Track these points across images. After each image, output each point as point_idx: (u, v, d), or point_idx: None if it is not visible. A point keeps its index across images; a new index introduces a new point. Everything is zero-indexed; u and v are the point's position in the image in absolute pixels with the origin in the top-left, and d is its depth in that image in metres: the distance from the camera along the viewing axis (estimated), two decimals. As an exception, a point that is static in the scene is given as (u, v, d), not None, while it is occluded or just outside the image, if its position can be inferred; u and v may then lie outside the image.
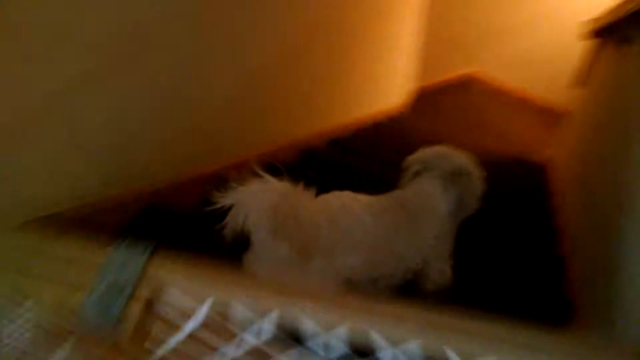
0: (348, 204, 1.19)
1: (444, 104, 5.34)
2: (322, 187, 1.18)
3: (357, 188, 1.28)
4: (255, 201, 1.00)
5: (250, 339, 0.47)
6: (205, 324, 0.49)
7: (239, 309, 0.47)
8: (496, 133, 4.90)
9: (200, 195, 1.78)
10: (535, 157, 4.08)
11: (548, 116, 5.71)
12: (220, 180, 1.76)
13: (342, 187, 1.24)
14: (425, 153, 1.37)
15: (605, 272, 1.37)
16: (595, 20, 3.01)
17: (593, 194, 2.01)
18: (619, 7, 2.12)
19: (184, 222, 1.53)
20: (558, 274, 1.83)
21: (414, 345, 0.46)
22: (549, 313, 1.54)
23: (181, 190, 1.70)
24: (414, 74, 4.76)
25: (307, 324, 0.46)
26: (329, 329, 0.46)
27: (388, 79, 4.17)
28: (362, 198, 1.25)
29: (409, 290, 1.32)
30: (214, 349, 0.49)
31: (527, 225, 2.13)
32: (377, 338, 0.46)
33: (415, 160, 1.38)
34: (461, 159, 1.36)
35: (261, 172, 1.05)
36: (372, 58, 3.46)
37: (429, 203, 1.29)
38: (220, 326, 0.49)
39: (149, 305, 0.50)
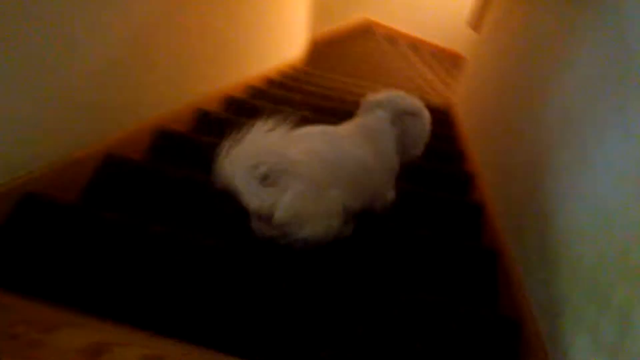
0: (332, 136, 1.25)
1: (344, 51, 5.26)
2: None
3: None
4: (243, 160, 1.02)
5: None
6: None
7: None
8: (399, 77, 4.94)
9: (87, 181, 1.54)
10: (439, 100, 4.19)
11: (448, 60, 5.90)
12: (111, 159, 1.58)
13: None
14: (379, 94, 1.42)
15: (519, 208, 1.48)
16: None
17: (492, 135, 2.07)
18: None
19: (69, 214, 1.29)
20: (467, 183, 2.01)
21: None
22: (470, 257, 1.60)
23: (64, 177, 1.43)
24: (312, 25, 4.62)
25: None
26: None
27: (288, 32, 4.00)
28: (337, 129, 1.31)
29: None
30: None
31: (437, 169, 2.13)
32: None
33: (370, 99, 1.43)
34: (411, 101, 1.41)
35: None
36: (269, 13, 3.28)
37: (381, 133, 1.36)
38: None
39: None
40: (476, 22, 3.65)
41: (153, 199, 1.50)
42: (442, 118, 3.41)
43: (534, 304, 1.16)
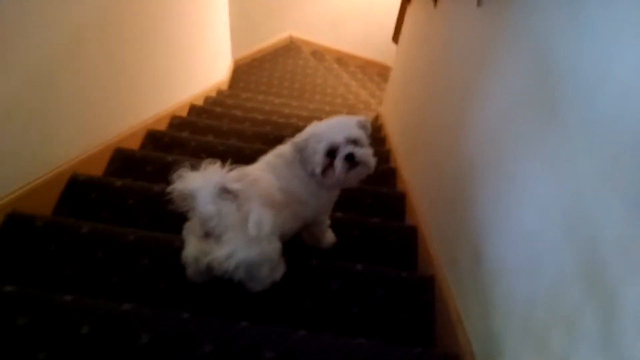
0: (258, 175, 1.25)
1: (271, 70, 5.22)
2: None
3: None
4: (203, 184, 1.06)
5: None
6: None
7: None
8: (327, 93, 4.94)
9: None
10: (369, 113, 4.21)
11: (376, 72, 6.00)
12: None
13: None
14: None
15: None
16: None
17: (418, 154, 2.09)
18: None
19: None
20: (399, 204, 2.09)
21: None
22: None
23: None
24: (236, 46, 4.59)
25: None
26: None
27: (211, 56, 3.95)
28: (258, 165, 1.34)
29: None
30: None
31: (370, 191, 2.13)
32: None
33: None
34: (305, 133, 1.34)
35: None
36: (189, 39, 3.23)
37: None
38: None
39: None
40: (396, 36, 3.72)
41: (64, 258, 1.37)
42: (374, 134, 3.42)
43: (474, 340, 1.11)
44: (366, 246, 1.70)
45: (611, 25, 0.76)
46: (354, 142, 1.27)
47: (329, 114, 3.92)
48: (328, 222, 1.54)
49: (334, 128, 1.29)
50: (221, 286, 1.22)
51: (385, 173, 2.49)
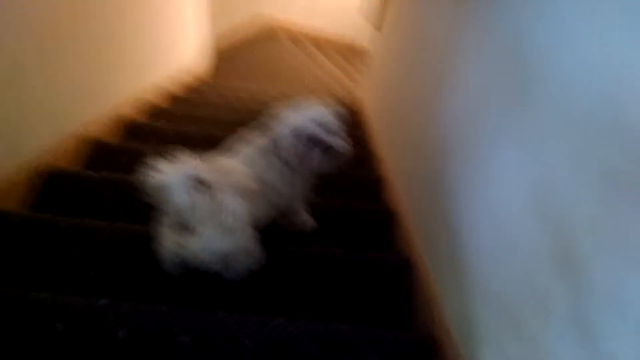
0: (231, 164, 1.23)
1: (250, 57, 5.16)
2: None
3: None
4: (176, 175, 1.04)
5: None
6: None
7: None
8: (307, 77, 4.91)
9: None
10: (348, 97, 4.20)
11: (355, 55, 5.96)
12: None
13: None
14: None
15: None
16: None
17: (395, 138, 2.10)
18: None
19: None
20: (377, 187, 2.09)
21: None
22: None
23: None
24: (215, 33, 4.52)
25: None
26: None
27: (189, 42, 3.89)
28: (232, 155, 1.31)
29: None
30: None
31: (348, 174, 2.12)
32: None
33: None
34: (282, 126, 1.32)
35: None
36: (172, 27, 3.24)
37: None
38: None
39: None
40: (378, 21, 3.68)
41: (40, 255, 1.35)
42: (352, 117, 3.41)
43: (452, 322, 1.12)
44: (344, 230, 1.71)
45: (584, 8, 0.77)
46: (329, 130, 1.27)
47: (307, 99, 3.88)
48: (306, 207, 1.54)
49: (308, 116, 1.29)
50: (198, 277, 1.22)
51: (362, 156, 2.49)
